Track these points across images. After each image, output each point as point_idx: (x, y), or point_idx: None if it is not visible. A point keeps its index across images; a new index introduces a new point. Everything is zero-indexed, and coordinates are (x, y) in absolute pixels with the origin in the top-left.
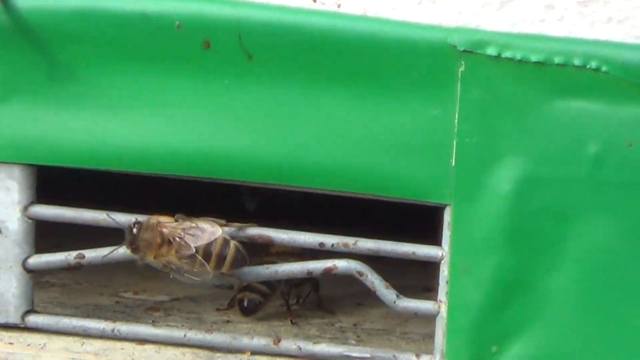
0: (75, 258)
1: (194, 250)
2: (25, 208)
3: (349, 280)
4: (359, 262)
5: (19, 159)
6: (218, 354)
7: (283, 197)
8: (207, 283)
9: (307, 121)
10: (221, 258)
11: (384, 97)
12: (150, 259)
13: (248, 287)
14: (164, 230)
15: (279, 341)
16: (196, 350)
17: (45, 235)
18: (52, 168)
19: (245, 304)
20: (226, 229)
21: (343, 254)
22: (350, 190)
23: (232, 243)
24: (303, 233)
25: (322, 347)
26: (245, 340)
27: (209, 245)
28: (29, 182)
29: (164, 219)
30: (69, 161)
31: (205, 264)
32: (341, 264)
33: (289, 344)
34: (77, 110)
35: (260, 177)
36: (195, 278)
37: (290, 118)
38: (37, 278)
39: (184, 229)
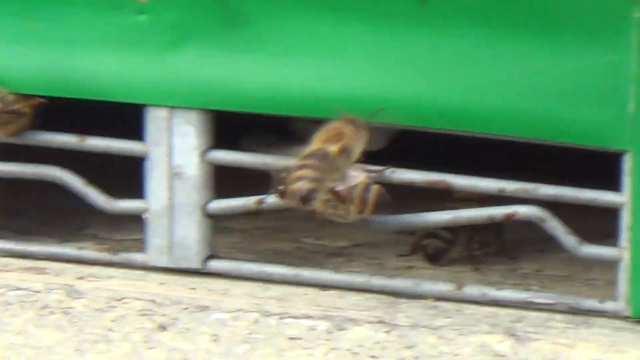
0: (254, 203)
1: (338, 194)
2: (204, 153)
3: (531, 226)
4: (540, 207)
5: (196, 104)
6: (401, 299)
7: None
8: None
9: (483, 67)
10: (364, 202)
11: (561, 43)
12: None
13: (431, 234)
14: None
15: (462, 287)
16: (379, 296)
17: (225, 182)
18: (231, 114)
19: (431, 251)
20: (368, 173)
21: (523, 200)
22: (528, 136)
23: (374, 187)
24: (484, 179)
25: (506, 293)
26: (428, 286)
27: (351, 189)
28: (206, 127)
29: None
30: (244, 106)
31: (348, 207)
32: (522, 210)
33: (472, 290)
34: (252, 55)
35: (438, 123)
36: (336, 220)
37: (466, 64)
38: (217, 223)
39: None
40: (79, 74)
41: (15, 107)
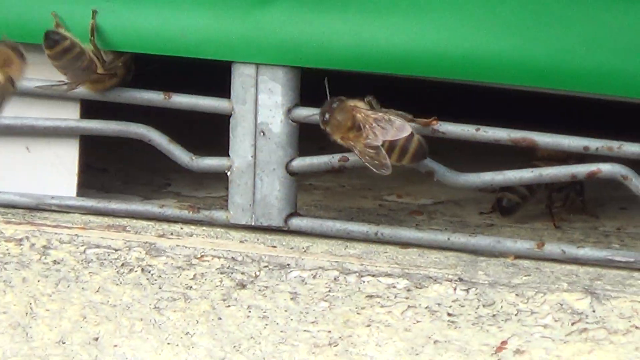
0: (339, 161)
1: (381, 142)
2: (289, 110)
3: (613, 184)
4: (623, 165)
5: (282, 61)
6: (481, 257)
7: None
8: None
9: (571, 24)
10: (404, 151)
11: None
12: (337, 137)
13: (508, 188)
14: (358, 115)
15: (543, 245)
16: (460, 254)
17: (310, 139)
18: (316, 72)
19: (504, 203)
20: (412, 124)
21: (607, 158)
22: (615, 94)
23: (416, 137)
24: (568, 136)
25: (586, 251)
26: (509, 244)
27: (395, 140)
28: (292, 84)
29: (360, 104)
30: (332, 63)
31: (387, 157)
32: (605, 168)
33: (553, 248)
34: (341, 12)
35: (525, 80)
36: (374, 169)
37: (555, 21)
38: (300, 181)
39: (375, 120)
40: (166, 31)
41: (113, 65)
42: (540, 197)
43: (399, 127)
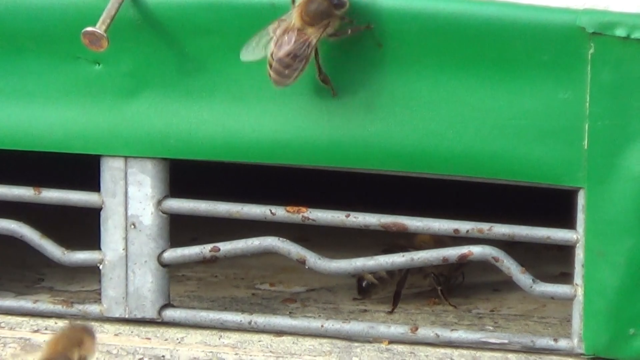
0: (210, 251)
1: None
2: (159, 202)
3: (485, 266)
4: (494, 247)
5: (151, 153)
6: (356, 344)
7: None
8: None
9: (438, 107)
10: None
11: (515, 82)
12: None
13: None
14: None
15: (417, 329)
16: (334, 340)
17: (180, 230)
18: (184, 161)
19: (363, 285)
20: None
21: (478, 240)
22: (483, 176)
23: None
24: (438, 220)
25: (460, 334)
26: (383, 329)
27: None
28: (161, 176)
29: None
30: (201, 154)
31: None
32: (476, 250)
33: (427, 332)
34: (208, 102)
35: (393, 165)
36: None
37: (422, 105)
38: (172, 272)
39: None
40: (34, 125)
41: None
42: (400, 279)
43: None
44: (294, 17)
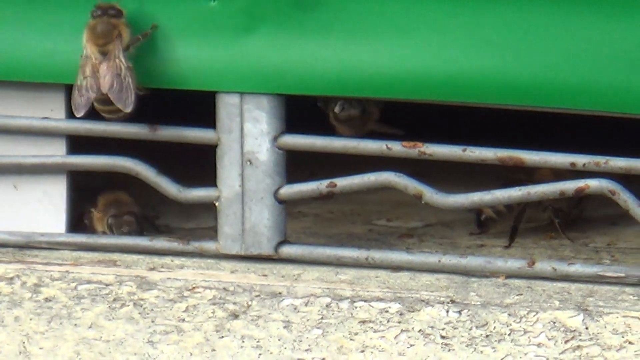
0: (327, 187)
1: None
2: (275, 138)
3: (602, 199)
4: (611, 180)
5: (266, 89)
6: (473, 278)
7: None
8: None
9: (554, 40)
10: None
11: (631, 14)
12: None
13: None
14: None
15: (534, 263)
16: (451, 276)
17: (295, 166)
18: (302, 97)
19: (482, 219)
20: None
21: (595, 173)
22: (600, 109)
23: None
24: (554, 153)
25: (577, 268)
26: (500, 263)
27: None
28: (277, 112)
29: None
30: (317, 90)
31: None
32: (593, 183)
33: (544, 266)
34: (324, 38)
35: (512, 99)
36: None
37: (538, 39)
38: (289, 208)
39: None
40: (150, 63)
41: None
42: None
43: None
44: (89, 50)
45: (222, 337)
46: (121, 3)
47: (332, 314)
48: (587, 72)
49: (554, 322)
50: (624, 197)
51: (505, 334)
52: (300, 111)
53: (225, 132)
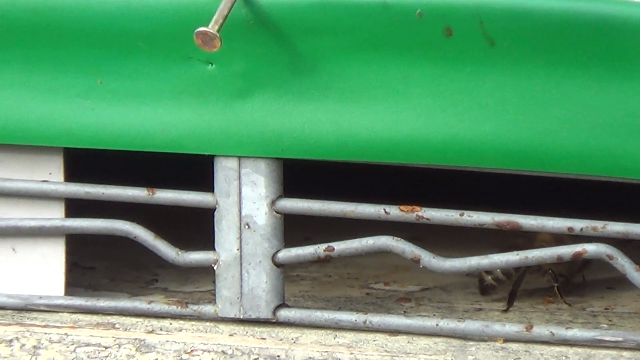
0: (325, 251)
1: None
2: (273, 202)
3: (599, 263)
4: (608, 245)
5: (264, 153)
6: (471, 342)
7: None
8: None
9: (551, 106)
10: None
11: (628, 79)
12: None
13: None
14: None
15: (532, 327)
16: (449, 339)
17: (292, 230)
18: (296, 161)
19: (485, 285)
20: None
21: (592, 238)
22: (597, 174)
23: None
24: (552, 218)
25: (575, 332)
26: (498, 327)
27: None
28: (275, 176)
29: None
30: (314, 154)
31: None
32: (590, 248)
33: (541, 330)
34: (322, 102)
35: (508, 163)
36: None
37: (534, 104)
38: (286, 272)
39: None
40: (147, 126)
41: None
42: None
43: None
44: None
45: None
46: (115, 65)
47: None
48: (584, 136)
49: None
50: (622, 262)
51: None
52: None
53: (223, 195)
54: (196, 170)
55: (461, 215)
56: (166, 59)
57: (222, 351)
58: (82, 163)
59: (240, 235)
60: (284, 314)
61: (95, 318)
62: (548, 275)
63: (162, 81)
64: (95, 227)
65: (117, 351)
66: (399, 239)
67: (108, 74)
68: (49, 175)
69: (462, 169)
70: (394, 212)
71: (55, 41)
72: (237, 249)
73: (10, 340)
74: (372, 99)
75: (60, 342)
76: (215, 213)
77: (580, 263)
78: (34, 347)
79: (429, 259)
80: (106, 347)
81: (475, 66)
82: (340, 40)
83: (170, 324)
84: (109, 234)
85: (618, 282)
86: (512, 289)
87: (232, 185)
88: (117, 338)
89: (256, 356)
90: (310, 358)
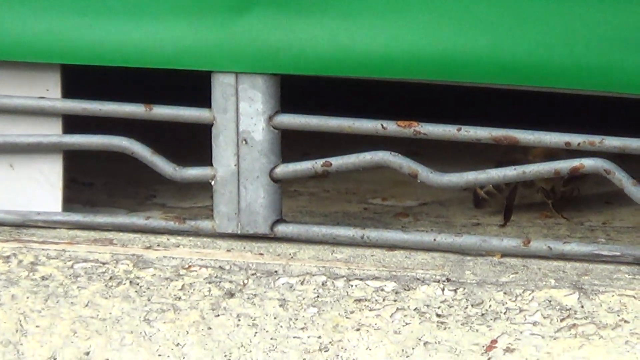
0: (322, 166)
1: None
2: (270, 118)
3: (597, 178)
4: (606, 160)
5: (262, 69)
6: (468, 257)
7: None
8: None
9: (550, 20)
10: None
11: None
12: None
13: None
14: None
15: (529, 242)
16: (446, 254)
17: (292, 146)
18: (296, 77)
19: (480, 198)
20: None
21: (590, 153)
22: (594, 89)
23: None
24: (549, 133)
25: (573, 247)
26: (495, 242)
27: None
28: (272, 91)
29: None
30: (311, 69)
31: None
32: (588, 162)
33: (539, 244)
34: (319, 17)
35: (507, 78)
36: None
37: (533, 17)
38: (284, 187)
39: None
40: (144, 42)
41: None
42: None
43: None
44: None
45: (218, 315)
46: None
47: (328, 292)
48: (582, 51)
49: (550, 301)
50: (619, 176)
51: (500, 312)
52: (293, 91)
53: (221, 111)
54: (194, 88)
55: (458, 130)
56: None
57: (220, 267)
58: (80, 82)
59: (238, 150)
60: (282, 229)
61: (92, 234)
62: (540, 192)
63: None
64: (93, 143)
65: (115, 267)
66: (397, 154)
67: None
68: (47, 91)
69: (459, 85)
70: (392, 127)
71: None
72: (235, 165)
73: (8, 257)
74: (370, 14)
75: (57, 258)
76: (213, 129)
77: (567, 177)
78: (32, 263)
79: (427, 174)
80: (104, 263)
81: None
82: None
83: (168, 239)
84: (106, 150)
85: (615, 197)
86: (506, 204)
87: (230, 101)
88: (115, 254)
89: (254, 271)
90: (307, 273)
